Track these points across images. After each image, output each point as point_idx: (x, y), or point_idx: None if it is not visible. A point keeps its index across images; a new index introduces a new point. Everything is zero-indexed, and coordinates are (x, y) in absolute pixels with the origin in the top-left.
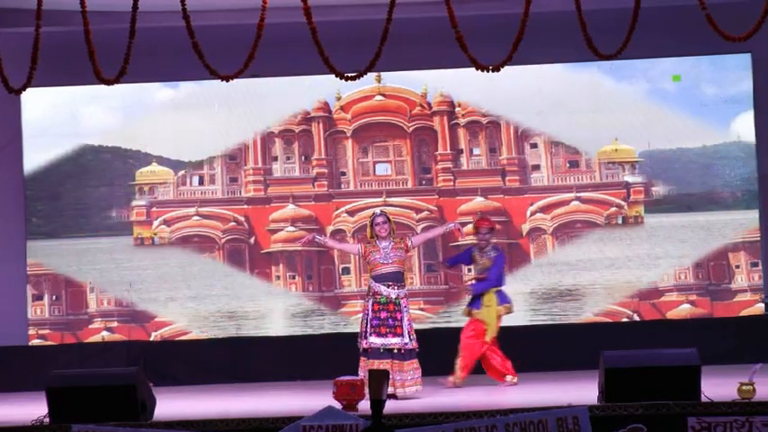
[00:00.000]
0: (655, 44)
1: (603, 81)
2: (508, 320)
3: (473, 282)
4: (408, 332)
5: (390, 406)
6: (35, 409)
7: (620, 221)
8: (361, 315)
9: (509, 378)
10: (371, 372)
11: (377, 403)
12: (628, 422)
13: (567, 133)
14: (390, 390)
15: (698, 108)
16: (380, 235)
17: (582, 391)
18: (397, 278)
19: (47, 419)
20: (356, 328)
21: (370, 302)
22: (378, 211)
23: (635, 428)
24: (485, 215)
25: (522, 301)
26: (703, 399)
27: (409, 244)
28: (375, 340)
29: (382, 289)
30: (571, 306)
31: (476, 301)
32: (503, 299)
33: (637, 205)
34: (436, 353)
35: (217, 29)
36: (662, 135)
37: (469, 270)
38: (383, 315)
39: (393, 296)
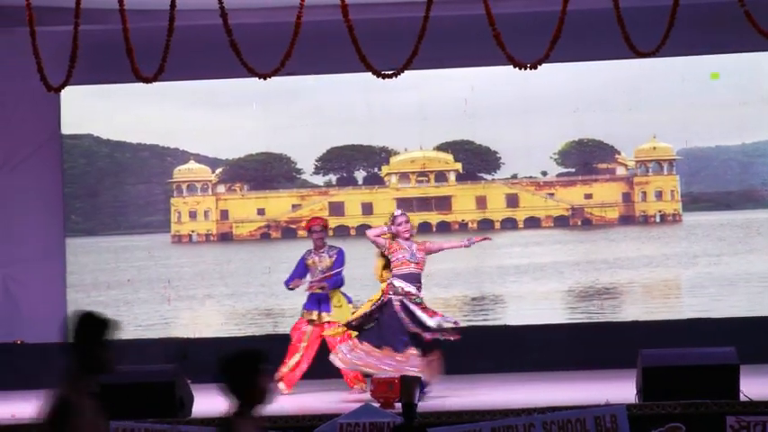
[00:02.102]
0: (693, 41)
1: (641, 79)
2: (545, 318)
3: (325, 280)
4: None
5: (428, 404)
6: None
7: (658, 220)
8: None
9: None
10: (403, 377)
11: (408, 406)
12: (666, 421)
13: (603, 131)
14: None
15: (737, 106)
16: (404, 237)
17: (620, 390)
18: (419, 279)
19: None
20: None
21: (397, 299)
22: (398, 211)
23: (673, 427)
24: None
25: (560, 299)
26: (742, 398)
27: (430, 247)
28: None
29: (412, 289)
30: (609, 304)
31: (323, 304)
32: (348, 298)
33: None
34: None
35: (253, 27)
36: (700, 133)
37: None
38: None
39: (421, 295)
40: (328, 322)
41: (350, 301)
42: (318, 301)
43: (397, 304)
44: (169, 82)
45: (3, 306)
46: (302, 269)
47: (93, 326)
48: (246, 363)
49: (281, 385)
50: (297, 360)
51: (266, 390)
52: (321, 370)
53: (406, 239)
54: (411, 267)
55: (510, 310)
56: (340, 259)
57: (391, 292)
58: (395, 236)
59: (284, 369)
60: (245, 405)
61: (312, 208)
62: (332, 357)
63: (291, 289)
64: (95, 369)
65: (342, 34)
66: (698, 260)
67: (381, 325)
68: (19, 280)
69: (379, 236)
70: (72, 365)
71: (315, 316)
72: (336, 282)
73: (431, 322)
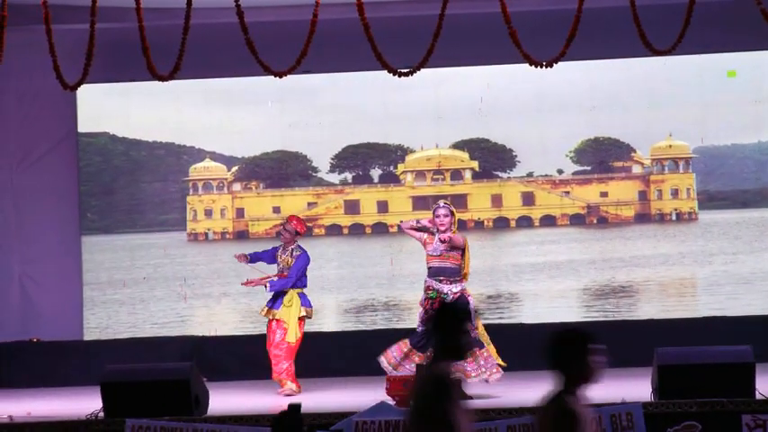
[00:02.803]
0: (709, 40)
1: (657, 77)
2: (561, 316)
3: (272, 279)
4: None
5: None
6: (90, 403)
7: (674, 218)
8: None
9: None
10: (418, 366)
11: None
12: (682, 419)
13: (619, 129)
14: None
15: (753, 104)
16: (440, 229)
17: (635, 388)
18: (447, 272)
19: (101, 414)
20: (410, 324)
21: (423, 298)
22: (441, 202)
23: (689, 425)
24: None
25: (575, 297)
26: (758, 396)
27: (453, 240)
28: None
29: (433, 283)
30: (624, 302)
31: (277, 300)
32: (305, 301)
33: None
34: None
35: (269, 25)
36: (716, 131)
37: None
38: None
39: (444, 290)
40: (276, 320)
41: (309, 306)
42: (275, 297)
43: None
44: (185, 80)
45: (19, 304)
46: (269, 256)
47: (456, 314)
48: (577, 341)
49: (292, 386)
50: (272, 360)
51: (595, 368)
52: (335, 368)
53: (442, 232)
54: (435, 261)
55: (526, 309)
56: (297, 265)
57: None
58: (438, 230)
59: (274, 375)
60: (573, 383)
61: (328, 206)
62: (381, 360)
63: (249, 262)
64: (454, 355)
65: (358, 32)
66: (714, 258)
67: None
68: (35, 278)
69: (410, 228)
70: (433, 351)
71: (265, 311)
72: (284, 285)
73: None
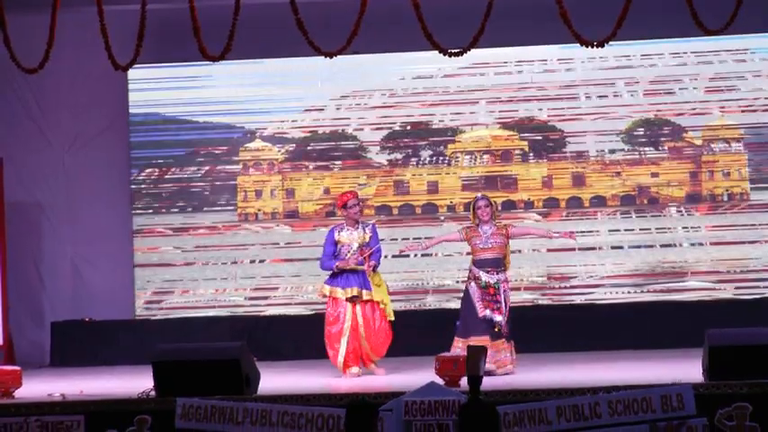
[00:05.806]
0: (762, 19)
1: (710, 56)
2: (611, 297)
3: (369, 255)
4: (505, 315)
5: (493, 382)
6: (141, 382)
7: (725, 198)
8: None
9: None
10: (469, 347)
11: (474, 379)
12: (733, 401)
13: (671, 110)
14: (491, 367)
15: None
16: (482, 219)
17: (686, 369)
18: (496, 264)
19: (153, 393)
20: (458, 304)
21: (472, 284)
22: (479, 195)
23: (740, 407)
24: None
25: (626, 278)
26: None
27: (511, 232)
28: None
29: (482, 274)
30: (675, 283)
31: (364, 281)
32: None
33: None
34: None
35: (319, 5)
36: None
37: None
38: (487, 296)
39: (492, 281)
40: (368, 301)
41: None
42: (357, 277)
43: (472, 290)
44: (235, 61)
45: (71, 284)
46: (333, 247)
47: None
48: None
49: (355, 369)
50: (346, 343)
51: None
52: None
53: (485, 223)
54: (486, 253)
55: (576, 289)
56: (377, 234)
57: (470, 280)
58: (480, 220)
59: (339, 358)
60: None
61: (377, 187)
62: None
63: (338, 269)
64: None
65: (408, 12)
66: (766, 239)
67: (466, 314)
68: (87, 258)
69: (441, 241)
70: None
71: (356, 292)
72: (380, 258)
73: (481, 315)
